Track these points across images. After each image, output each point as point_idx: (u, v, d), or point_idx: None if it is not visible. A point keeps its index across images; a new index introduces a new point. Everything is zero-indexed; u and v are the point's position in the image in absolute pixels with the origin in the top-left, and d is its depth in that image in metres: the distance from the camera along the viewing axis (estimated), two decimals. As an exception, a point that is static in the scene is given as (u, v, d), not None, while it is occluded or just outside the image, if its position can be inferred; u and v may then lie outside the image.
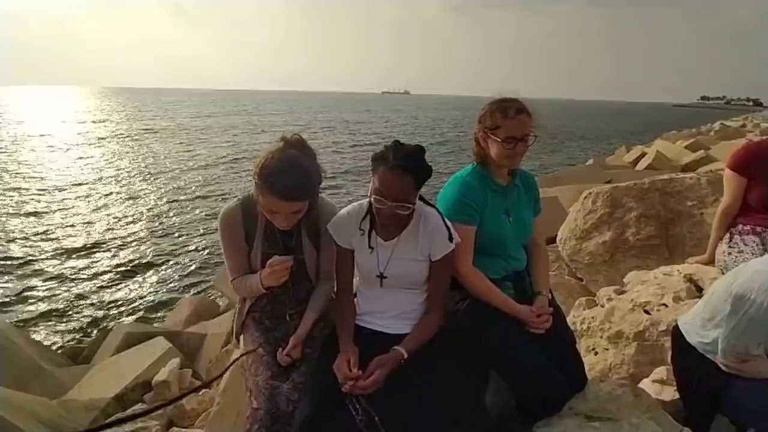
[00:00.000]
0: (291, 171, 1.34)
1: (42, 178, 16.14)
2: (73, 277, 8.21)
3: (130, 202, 13.27)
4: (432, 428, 1.16)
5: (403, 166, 1.28)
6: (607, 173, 8.96)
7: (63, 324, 6.72)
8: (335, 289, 1.60)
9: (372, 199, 1.33)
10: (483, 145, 1.52)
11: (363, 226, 1.45)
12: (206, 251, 9.54)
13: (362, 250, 1.46)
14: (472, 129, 1.57)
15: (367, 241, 1.44)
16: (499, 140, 1.45)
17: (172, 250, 9.65)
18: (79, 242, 9.89)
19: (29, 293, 7.52)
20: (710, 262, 2.23)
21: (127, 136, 28.36)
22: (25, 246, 9.51)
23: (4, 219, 11.19)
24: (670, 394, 1.66)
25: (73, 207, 12.57)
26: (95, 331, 6.29)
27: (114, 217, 11.77)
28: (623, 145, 17.66)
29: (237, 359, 1.53)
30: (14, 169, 17.45)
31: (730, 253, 2.03)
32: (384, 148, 1.34)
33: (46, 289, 7.68)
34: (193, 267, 8.86)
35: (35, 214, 11.78)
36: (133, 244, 9.96)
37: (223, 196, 13.70)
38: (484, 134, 1.50)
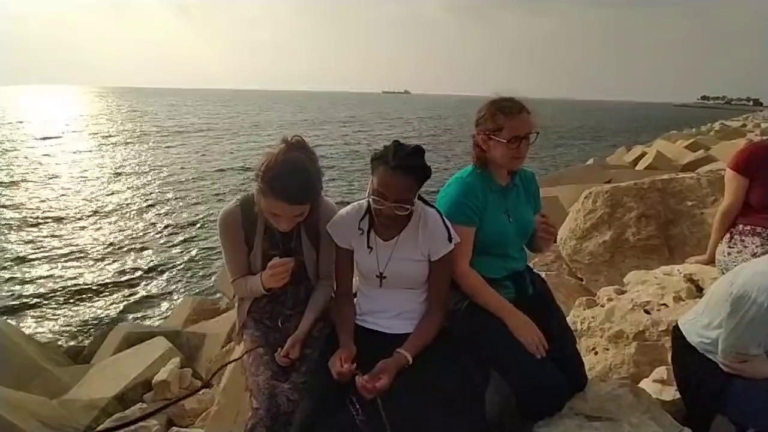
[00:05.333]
0: (294, 174, 1.33)
1: (42, 178, 16.14)
2: (73, 277, 8.21)
3: (131, 202, 13.28)
4: (432, 427, 1.16)
5: (403, 166, 1.28)
6: (607, 173, 8.95)
7: (63, 324, 6.72)
8: (335, 289, 1.60)
9: (371, 200, 1.33)
10: (484, 148, 1.51)
11: (362, 226, 1.45)
12: (206, 251, 9.54)
13: (361, 250, 1.46)
14: (471, 131, 1.56)
15: (366, 241, 1.44)
16: (504, 141, 1.44)
17: (173, 251, 9.66)
18: (79, 242, 9.90)
19: (30, 293, 7.52)
20: (710, 262, 2.23)
21: (128, 137, 28.34)
22: (26, 246, 9.52)
23: (4, 219, 11.19)
24: (670, 394, 1.66)
25: (73, 207, 12.58)
26: (95, 331, 6.29)
27: (114, 218, 11.78)
28: (623, 145, 17.67)
29: (236, 359, 1.53)
30: (14, 169, 17.45)
31: (729, 254, 2.03)
32: (384, 148, 1.34)
33: (47, 289, 7.68)
34: (193, 267, 8.87)
35: (36, 214, 11.78)
36: (134, 244, 9.96)
37: (224, 197, 13.71)
38: (486, 137, 1.49)
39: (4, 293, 7.45)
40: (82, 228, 10.83)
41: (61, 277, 8.18)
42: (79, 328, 6.63)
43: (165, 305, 7.37)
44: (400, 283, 1.45)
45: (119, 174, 17.05)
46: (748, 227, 1.99)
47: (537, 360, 1.35)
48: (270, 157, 1.35)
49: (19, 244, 9.60)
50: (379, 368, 1.24)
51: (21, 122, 37.44)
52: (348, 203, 1.54)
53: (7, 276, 8.06)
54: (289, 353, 1.41)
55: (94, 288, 7.84)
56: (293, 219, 1.41)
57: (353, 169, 18.70)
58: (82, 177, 16.47)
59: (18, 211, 11.98)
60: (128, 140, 26.81)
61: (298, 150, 1.39)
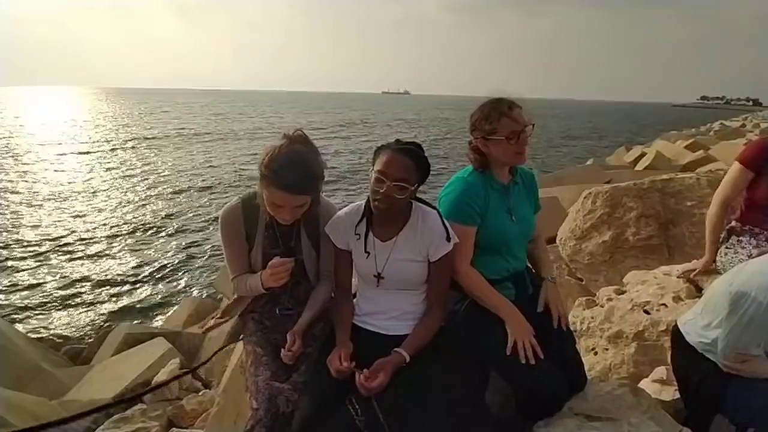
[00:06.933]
0: (297, 165, 1.35)
1: (42, 180, 16.15)
2: (73, 277, 8.21)
3: (131, 203, 13.28)
4: (433, 426, 1.17)
5: (405, 150, 1.34)
6: (607, 173, 8.95)
7: (63, 324, 6.72)
8: (334, 287, 1.60)
9: (372, 182, 1.34)
10: (484, 150, 1.51)
11: (359, 230, 1.46)
12: (206, 252, 9.55)
13: (359, 252, 1.46)
14: (468, 138, 1.57)
15: (364, 245, 1.44)
16: (503, 138, 1.45)
17: (173, 251, 9.66)
18: (79, 243, 9.89)
19: (30, 294, 7.52)
20: (710, 263, 2.09)
21: (129, 139, 28.29)
22: (26, 247, 9.51)
23: (4, 220, 11.19)
24: (670, 394, 1.66)
25: (73, 209, 12.58)
26: (95, 332, 6.29)
27: (115, 219, 11.78)
28: (623, 145, 17.68)
29: (223, 347, 1.55)
30: (15, 171, 17.46)
31: (726, 254, 2.01)
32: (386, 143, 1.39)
33: (47, 290, 7.68)
34: (193, 267, 8.88)
35: (36, 215, 11.79)
36: (134, 245, 9.97)
37: (224, 198, 13.71)
38: (483, 139, 1.49)
39: (4, 294, 7.45)
40: (83, 230, 10.82)
41: (61, 278, 8.18)
42: (79, 329, 6.63)
43: (165, 306, 7.37)
44: (398, 284, 1.45)
45: (118, 176, 17.04)
46: (746, 227, 1.97)
47: (537, 360, 1.35)
48: (273, 149, 1.36)
49: (18, 245, 9.59)
50: (376, 367, 1.24)
51: (21, 125, 37.47)
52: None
53: (7, 277, 8.06)
54: (293, 348, 1.39)
55: (94, 289, 7.85)
56: (295, 211, 1.41)
57: (351, 170, 18.70)
58: (81, 179, 16.47)
59: (18, 212, 11.98)
60: (128, 143, 26.72)
61: (299, 144, 1.41)
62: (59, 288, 7.80)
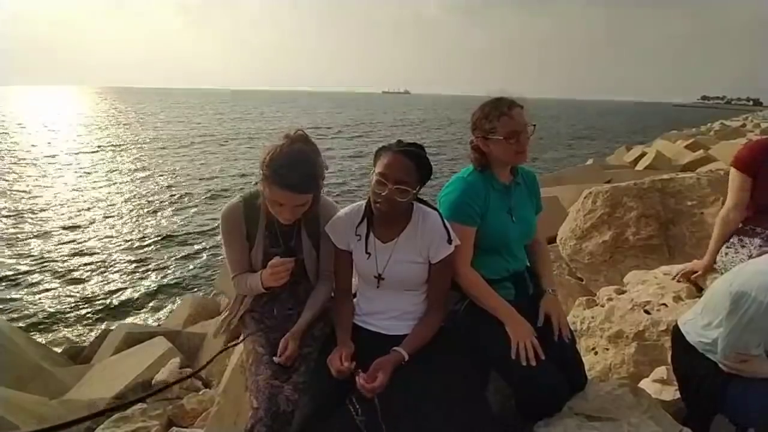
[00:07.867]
0: (299, 164, 1.35)
1: (41, 181, 16.16)
2: (73, 277, 8.22)
3: (131, 204, 13.29)
4: (433, 426, 1.16)
5: (406, 151, 1.33)
6: (607, 173, 8.96)
7: (63, 324, 6.73)
8: (334, 287, 1.60)
9: (373, 184, 1.34)
10: (484, 150, 1.51)
11: (360, 231, 1.45)
12: (206, 252, 9.56)
13: (360, 253, 1.46)
14: (468, 137, 1.57)
15: (364, 246, 1.44)
16: (502, 138, 1.44)
17: (173, 251, 9.67)
18: (79, 243, 9.90)
19: (30, 293, 7.53)
20: (709, 267, 2.10)
21: (128, 141, 28.26)
22: (26, 247, 9.52)
23: (5, 220, 11.20)
24: (670, 394, 1.66)
25: (74, 208, 12.60)
26: (95, 331, 6.30)
27: (115, 219, 11.79)
28: (623, 145, 17.69)
29: (229, 347, 1.55)
30: (16, 171, 17.47)
31: (727, 253, 2.00)
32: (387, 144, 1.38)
33: (47, 289, 7.69)
34: (193, 267, 8.88)
35: (37, 215, 11.80)
36: (134, 244, 9.97)
37: (223, 198, 13.71)
38: (484, 139, 1.49)
39: (4, 293, 7.45)
40: (83, 230, 10.83)
41: (61, 277, 8.18)
42: (79, 328, 6.64)
43: (165, 305, 7.37)
44: (398, 285, 1.45)
45: (118, 177, 17.04)
46: (748, 227, 1.97)
47: (537, 360, 1.35)
48: (275, 147, 1.37)
49: (18, 246, 9.60)
50: (375, 366, 1.24)
51: (21, 126, 37.46)
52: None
53: (7, 277, 8.06)
54: (287, 349, 1.40)
55: (94, 288, 7.86)
56: (296, 210, 1.41)
57: (351, 170, 18.70)
58: (82, 180, 16.48)
59: (18, 212, 11.98)
60: (127, 144, 26.71)
61: (300, 143, 1.41)
62: (60, 287, 7.81)
